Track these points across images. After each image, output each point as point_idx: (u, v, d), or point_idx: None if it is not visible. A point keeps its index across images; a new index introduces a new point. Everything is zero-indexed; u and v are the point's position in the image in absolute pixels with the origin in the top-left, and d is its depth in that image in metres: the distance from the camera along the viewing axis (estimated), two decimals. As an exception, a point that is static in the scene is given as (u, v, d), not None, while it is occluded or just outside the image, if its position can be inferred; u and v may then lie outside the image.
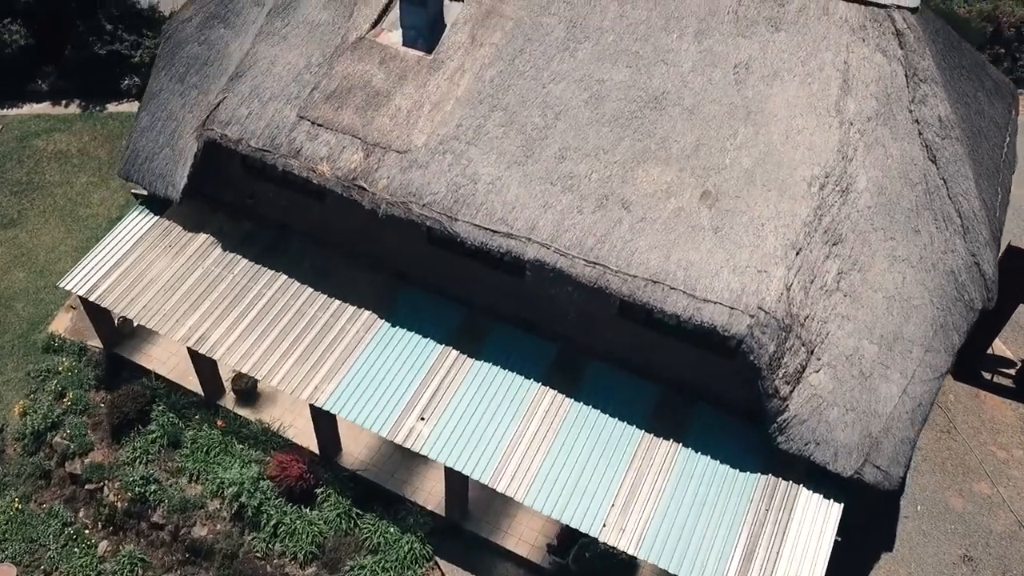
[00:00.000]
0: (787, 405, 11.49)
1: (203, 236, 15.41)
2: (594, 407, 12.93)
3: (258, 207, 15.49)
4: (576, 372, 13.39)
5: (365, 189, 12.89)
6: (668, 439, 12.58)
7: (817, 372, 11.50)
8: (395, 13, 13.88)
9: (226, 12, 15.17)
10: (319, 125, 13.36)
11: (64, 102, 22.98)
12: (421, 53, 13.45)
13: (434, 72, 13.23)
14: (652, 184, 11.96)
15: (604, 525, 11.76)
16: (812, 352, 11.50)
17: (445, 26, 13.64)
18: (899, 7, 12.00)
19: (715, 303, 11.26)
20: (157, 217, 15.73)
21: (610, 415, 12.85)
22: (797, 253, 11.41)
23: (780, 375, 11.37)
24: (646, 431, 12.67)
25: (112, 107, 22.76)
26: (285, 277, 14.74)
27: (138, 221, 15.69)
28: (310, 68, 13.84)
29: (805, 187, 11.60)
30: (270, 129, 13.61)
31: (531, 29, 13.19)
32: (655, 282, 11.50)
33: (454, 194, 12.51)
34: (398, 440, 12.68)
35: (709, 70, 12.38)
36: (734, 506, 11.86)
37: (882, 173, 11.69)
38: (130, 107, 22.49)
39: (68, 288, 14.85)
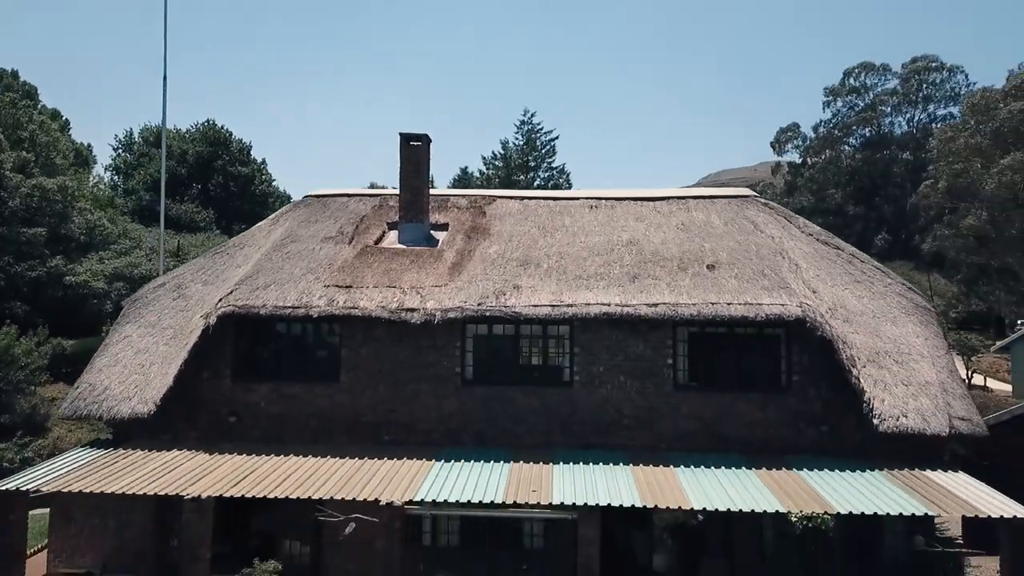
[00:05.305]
0: (862, 385, 12.53)
1: (175, 452, 12.96)
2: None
3: (241, 426, 13.79)
4: (663, 460, 12.73)
5: (414, 309, 13.23)
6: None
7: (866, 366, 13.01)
8: (392, 237, 16.12)
9: (206, 275, 15.94)
10: (347, 287, 13.96)
11: None
12: (426, 247, 15.49)
13: (444, 252, 15.18)
14: (667, 266, 14.32)
15: None
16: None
17: (437, 240, 16.10)
18: (756, 196, 17.59)
19: (768, 304, 12.99)
20: (108, 449, 13.04)
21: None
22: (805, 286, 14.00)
23: (847, 357, 12.71)
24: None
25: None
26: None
27: (80, 455, 12.81)
28: (320, 266, 14.87)
29: (781, 259, 14.85)
30: (296, 294, 13.80)
31: (511, 232, 16.20)
32: (713, 303, 13.04)
33: (502, 296, 13.49)
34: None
35: (659, 230, 16.09)
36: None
37: (811, 249, 15.46)
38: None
39: None
